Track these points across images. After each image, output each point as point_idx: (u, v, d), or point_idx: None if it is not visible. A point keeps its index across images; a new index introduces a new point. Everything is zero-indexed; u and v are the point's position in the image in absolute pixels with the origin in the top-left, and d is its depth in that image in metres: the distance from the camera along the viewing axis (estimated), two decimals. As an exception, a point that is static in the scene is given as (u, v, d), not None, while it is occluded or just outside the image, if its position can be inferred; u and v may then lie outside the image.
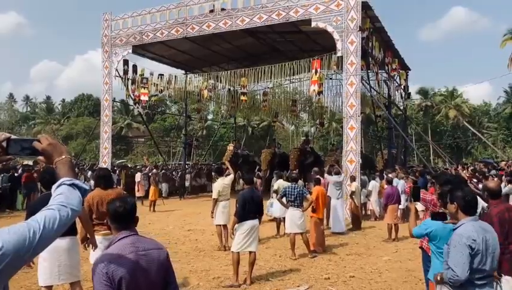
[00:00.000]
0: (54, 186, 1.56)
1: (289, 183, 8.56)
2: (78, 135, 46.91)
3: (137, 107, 19.71)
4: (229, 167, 10.52)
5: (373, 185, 12.56)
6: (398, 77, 20.45)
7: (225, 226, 8.44)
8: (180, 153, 33.98)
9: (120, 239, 2.28)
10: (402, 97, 21.78)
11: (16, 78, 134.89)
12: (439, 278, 3.09)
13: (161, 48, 18.96)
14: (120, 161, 36.46)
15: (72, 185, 1.56)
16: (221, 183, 8.55)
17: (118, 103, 28.61)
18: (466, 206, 3.06)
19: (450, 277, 2.92)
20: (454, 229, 3.09)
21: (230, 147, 20.21)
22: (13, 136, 1.60)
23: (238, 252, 6.14)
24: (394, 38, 17.38)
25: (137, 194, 16.00)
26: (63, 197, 1.50)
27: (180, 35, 16.40)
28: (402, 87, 21.14)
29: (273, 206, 10.34)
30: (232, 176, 9.25)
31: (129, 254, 2.20)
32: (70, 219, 1.47)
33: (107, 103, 18.57)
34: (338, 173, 11.37)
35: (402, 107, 23.01)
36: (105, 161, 18.20)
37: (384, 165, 18.76)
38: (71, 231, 4.29)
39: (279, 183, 10.14)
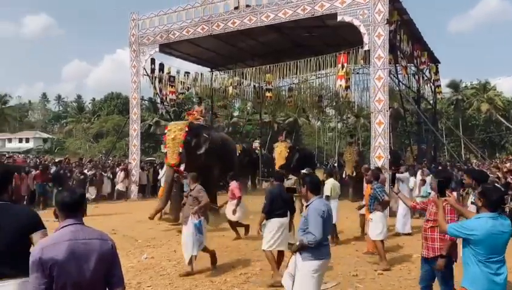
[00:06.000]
0: None
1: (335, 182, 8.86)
2: (108, 133, 47.95)
3: (162, 108, 19.94)
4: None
5: (413, 181, 12.04)
6: (428, 70, 19.93)
7: None
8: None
9: (63, 227, 2.35)
10: (432, 91, 21.22)
11: (48, 78, 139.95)
12: (298, 244, 3.98)
13: (187, 46, 19.14)
14: (149, 158, 37.09)
15: None
16: None
17: (147, 101, 29.08)
18: (313, 188, 4.20)
19: (310, 239, 3.84)
20: (306, 206, 4.18)
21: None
22: None
23: (270, 250, 6.07)
24: (423, 31, 16.96)
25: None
26: None
27: (205, 33, 16.50)
28: (433, 80, 20.60)
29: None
30: None
31: (65, 242, 2.25)
32: None
33: (135, 101, 18.93)
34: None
35: (431, 101, 22.43)
36: (134, 158, 18.58)
37: (415, 161, 18.37)
38: None
39: (331, 184, 8.65)
